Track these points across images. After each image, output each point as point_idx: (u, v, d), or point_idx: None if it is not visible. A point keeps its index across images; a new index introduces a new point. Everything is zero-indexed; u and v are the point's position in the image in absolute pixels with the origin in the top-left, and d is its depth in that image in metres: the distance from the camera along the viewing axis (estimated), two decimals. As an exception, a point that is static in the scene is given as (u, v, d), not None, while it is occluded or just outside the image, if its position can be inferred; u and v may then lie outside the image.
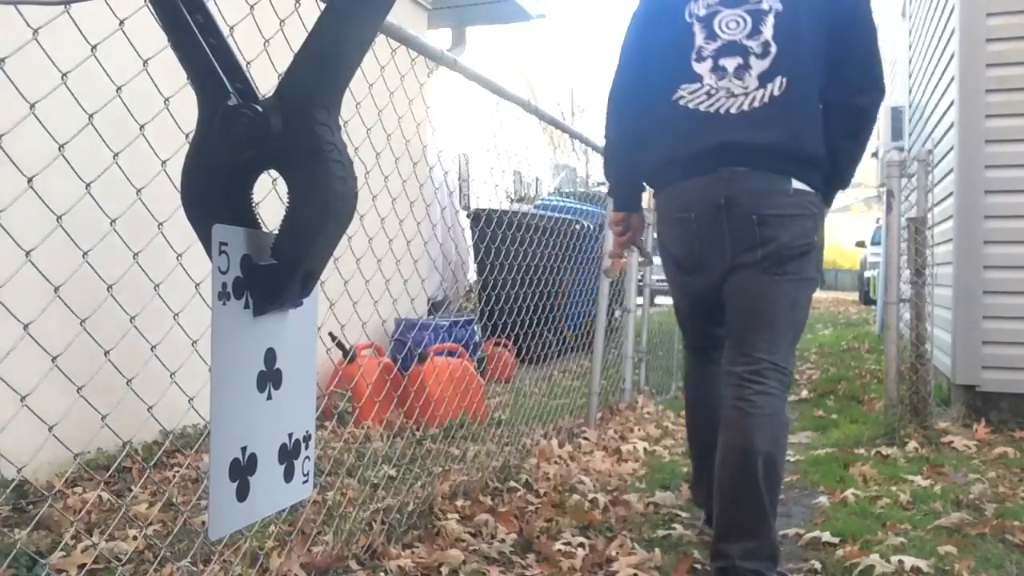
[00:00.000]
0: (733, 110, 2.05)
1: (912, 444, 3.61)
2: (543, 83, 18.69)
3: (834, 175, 2.14)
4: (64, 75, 1.39)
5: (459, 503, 2.58)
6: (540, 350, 4.41)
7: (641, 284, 5.02)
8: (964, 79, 4.18)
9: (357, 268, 2.21)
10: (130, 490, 2.71)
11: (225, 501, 0.83)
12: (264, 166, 0.86)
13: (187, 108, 0.96)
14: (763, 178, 2.03)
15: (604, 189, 5.58)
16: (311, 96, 0.83)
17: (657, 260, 2.82)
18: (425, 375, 3.77)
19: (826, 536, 2.42)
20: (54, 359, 1.49)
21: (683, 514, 2.68)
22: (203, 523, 2.16)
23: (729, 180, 2.04)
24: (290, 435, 0.93)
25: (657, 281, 5.10)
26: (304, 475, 0.95)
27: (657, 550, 2.27)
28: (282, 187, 0.86)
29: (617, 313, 4.78)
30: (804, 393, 5.35)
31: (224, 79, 0.84)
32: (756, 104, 2.04)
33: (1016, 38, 4.09)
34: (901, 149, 7.22)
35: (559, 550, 2.26)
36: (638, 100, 2.24)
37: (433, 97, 4.84)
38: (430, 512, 2.46)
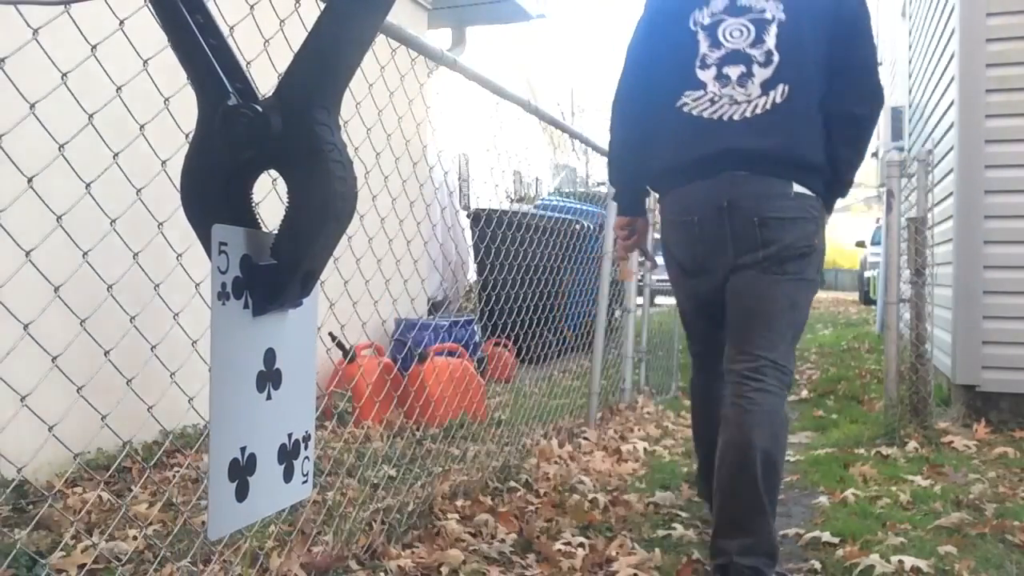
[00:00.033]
0: (736, 117, 2.09)
1: (912, 444, 3.61)
2: (543, 83, 18.70)
3: (834, 182, 2.18)
4: (64, 75, 1.39)
5: (459, 503, 2.58)
6: (540, 350, 4.41)
7: (641, 284, 5.01)
8: (964, 79, 4.18)
9: (357, 268, 2.21)
10: (130, 490, 2.71)
11: (224, 501, 0.83)
12: (264, 166, 0.86)
13: (187, 108, 0.96)
14: (764, 182, 2.07)
15: (604, 189, 5.59)
16: (311, 96, 0.83)
17: (660, 260, 2.84)
18: (425, 375, 3.77)
19: (826, 536, 2.42)
20: (54, 359, 1.49)
21: (683, 514, 2.68)
22: (203, 523, 2.16)
23: (731, 184, 2.08)
24: (289, 435, 0.93)
25: (657, 281, 5.11)
26: (303, 475, 0.95)
27: (657, 550, 2.27)
28: (282, 187, 0.86)
29: (617, 313, 4.78)
30: (804, 393, 5.35)
31: (224, 79, 0.84)
32: (758, 111, 2.08)
33: (1016, 38, 4.09)
34: (901, 149, 7.22)
35: (559, 550, 2.26)
36: (643, 106, 2.28)
37: (433, 97, 4.84)
38: (430, 512, 2.46)
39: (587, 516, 2.57)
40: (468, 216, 6.63)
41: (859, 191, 20.94)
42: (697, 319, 2.39)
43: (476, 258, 6.23)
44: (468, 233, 6.67)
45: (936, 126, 5.08)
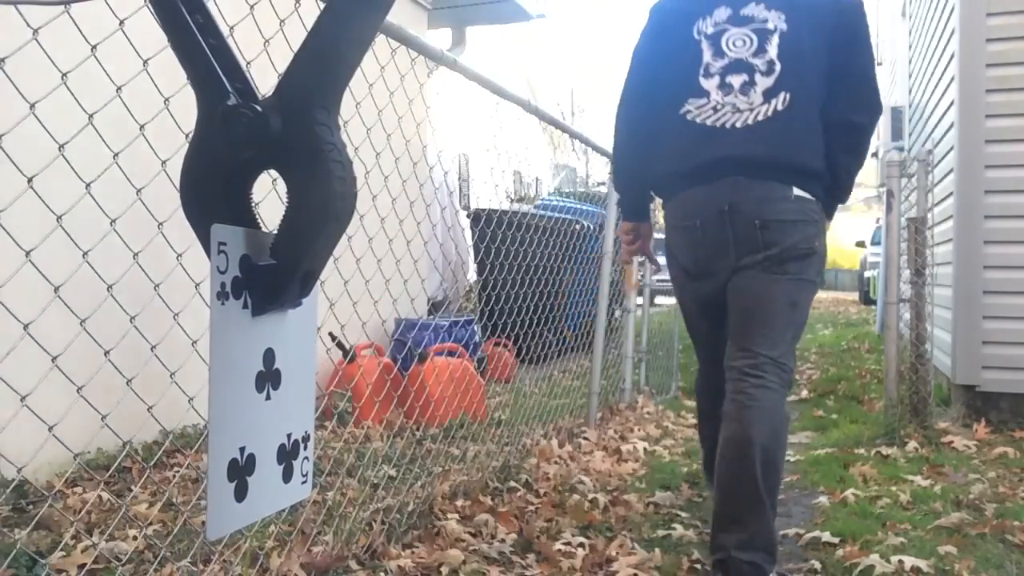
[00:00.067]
0: (738, 124, 2.13)
1: (912, 444, 3.60)
2: (543, 83, 18.70)
3: (834, 188, 2.22)
4: (64, 75, 1.39)
5: (459, 503, 2.58)
6: (540, 350, 4.41)
7: (641, 284, 5.02)
8: (964, 79, 4.18)
9: (357, 268, 2.21)
10: (130, 490, 2.71)
11: (223, 501, 0.83)
12: (264, 166, 0.86)
13: (187, 108, 0.96)
14: (765, 186, 2.11)
15: (604, 189, 5.59)
16: (311, 96, 0.83)
17: (661, 260, 2.86)
18: (425, 375, 3.77)
19: (826, 536, 2.42)
20: (54, 359, 1.49)
21: (683, 514, 2.68)
22: (203, 523, 2.16)
23: (732, 188, 2.11)
24: (289, 435, 0.93)
25: (657, 281, 5.11)
26: (303, 476, 0.95)
27: (657, 550, 2.27)
28: (282, 187, 0.86)
29: (617, 313, 4.78)
30: (804, 393, 5.35)
31: (224, 79, 0.84)
32: (760, 118, 2.12)
33: (1016, 38, 4.09)
34: (901, 149, 7.22)
35: (559, 550, 2.26)
36: (646, 113, 2.32)
37: (433, 97, 4.84)
38: (430, 512, 2.46)
39: (587, 516, 2.57)
40: (468, 216, 6.63)
41: (859, 191, 20.93)
42: (701, 321, 2.41)
43: (476, 258, 6.23)
44: (468, 233, 6.67)
45: (936, 126, 5.08)
